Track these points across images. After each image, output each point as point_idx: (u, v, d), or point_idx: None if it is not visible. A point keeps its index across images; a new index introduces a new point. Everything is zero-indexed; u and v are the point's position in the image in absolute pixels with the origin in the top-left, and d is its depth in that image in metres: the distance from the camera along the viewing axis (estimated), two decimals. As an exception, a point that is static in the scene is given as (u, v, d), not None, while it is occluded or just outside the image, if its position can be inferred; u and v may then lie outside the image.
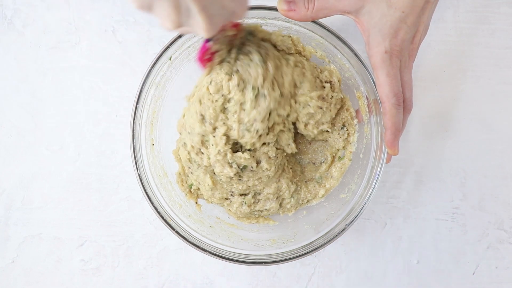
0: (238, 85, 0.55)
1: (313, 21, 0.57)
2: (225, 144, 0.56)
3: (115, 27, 0.69)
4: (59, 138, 0.69)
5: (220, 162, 0.56)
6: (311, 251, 0.57)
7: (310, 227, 0.62)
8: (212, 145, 0.56)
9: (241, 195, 0.61)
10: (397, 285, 0.67)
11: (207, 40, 0.52)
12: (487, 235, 0.67)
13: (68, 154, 0.68)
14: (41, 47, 0.69)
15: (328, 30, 0.58)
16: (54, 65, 0.69)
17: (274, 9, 0.57)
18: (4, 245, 0.67)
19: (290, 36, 0.61)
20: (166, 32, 0.68)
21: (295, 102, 0.58)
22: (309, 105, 0.58)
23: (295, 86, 0.58)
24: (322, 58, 0.62)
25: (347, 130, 0.63)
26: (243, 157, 0.56)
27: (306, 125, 0.60)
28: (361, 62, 0.58)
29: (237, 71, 0.55)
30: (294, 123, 0.60)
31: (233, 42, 0.55)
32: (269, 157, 0.58)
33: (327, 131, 0.62)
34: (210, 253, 0.57)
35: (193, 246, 0.57)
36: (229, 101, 0.56)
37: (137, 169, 0.58)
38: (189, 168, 0.61)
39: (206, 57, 0.54)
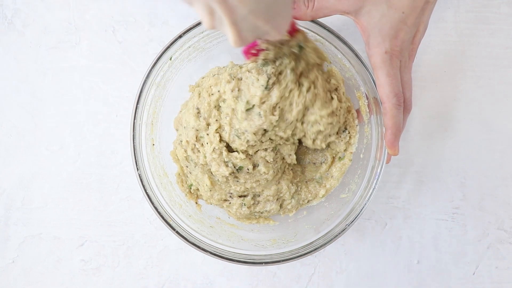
0: (232, 91, 0.55)
1: (313, 21, 0.57)
2: (220, 141, 0.56)
3: (115, 27, 0.69)
4: (59, 138, 0.69)
5: (216, 160, 0.56)
6: (312, 251, 0.57)
7: (311, 227, 0.62)
8: (207, 143, 0.56)
9: (240, 196, 0.61)
10: (397, 285, 0.67)
11: None
12: (487, 235, 0.67)
13: (68, 154, 0.68)
14: (41, 47, 0.69)
15: (328, 30, 0.58)
16: (54, 65, 0.69)
17: None
18: (4, 245, 0.67)
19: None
20: (166, 33, 0.69)
21: (302, 124, 0.57)
22: (318, 123, 0.56)
23: (306, 109, 0.56)
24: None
25: (349, 132, 0.62)
26: (238, 158, 0.56)
27: (314, 140, 0.58)
28: (361, 62, 0.58)
29: (240, 78, 0.55)
30: (299, 139, 0.59)
31: (282, 48, 0.53)
32: (267, 161, 0.58)
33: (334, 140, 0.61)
34: (210, 253, 0.57)
35: (193, 246, 0.57)
36: (223, 101, 0.56)
37: (138, 169, 0.58)
38: (187, 167, 0.61)
39: (252, 51, 0.53)
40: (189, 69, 0.63)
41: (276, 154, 0.59)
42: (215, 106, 0.57)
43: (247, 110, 0.54)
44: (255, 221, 0.64)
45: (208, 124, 0.57)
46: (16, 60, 0.69)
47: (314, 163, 0.65)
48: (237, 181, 0.59)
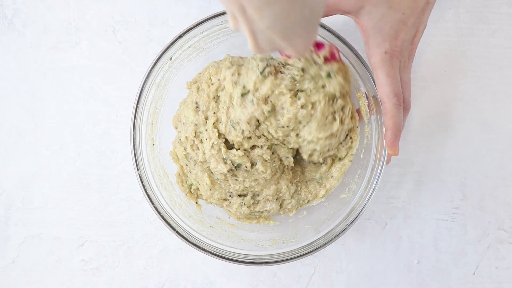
0: (233, 75, 0.56)
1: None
2: (218, 137, 0.56)
3: (115, 27, 0.69)
4: (59, 138, 0.69)
5: (215, 157, 0.57)
6: (312, 251, 0.57)
7: (311, 227, 0.62)
8: (206, 139, 0.57)
9: (239, 196, 0.61)
10: (397, 285, 0.67)
11: None
12: (487, 235, 0.67)
13: (68, 154, 0.68)
14: (41, 47, 0.69)
15: (328, 30, 0.58)
16: (54, 65, 0.69)
17: None
18: (4, 245, 0.67)
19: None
20: (166, 33, 0.69)
21: (298, 136, 0.56)
22: (314, 143, 0.56)
23: (299, 122, 0.55)
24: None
25: (351, 138, 0.61)
26: (237, 155, 0.56)
27: (310, 155, 0.58)
28: (361, 62, 0.58)
29: (241, 64, 0.56)
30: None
31: (313, 66, 0.54)
32: (265, 160, 0.58)
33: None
34: (211, 253, 0.57)
35: (194, 246, 0.57)
36: (222, 89, 0.57)
37: (138, 169, 0.58)
38: (187, 166, 0.61)
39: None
40: (189, 69, 0.63)
41: (273, 154, 0.59)
42: (214, 98, 0.58)
43: (243, 95, 0.54)
44: (255, 221, 0.64)
45: (206, 118, 0.58)
46: (16, 60, 0.69)
47: (314, 163, 0.65)
48: (236, 179, 0.59)
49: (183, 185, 0.63)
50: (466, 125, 0.68)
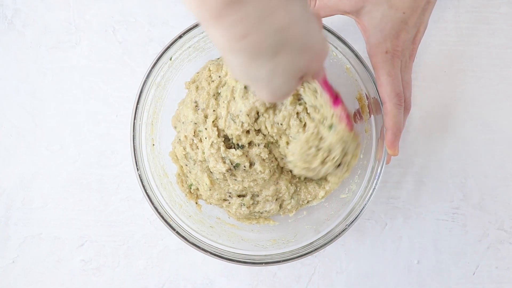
0: None
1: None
2: (218, 136, 0.57)
3: (115, 27, 0.69)
4: (59, 138, 0.69)
5: (214, 156, 0.57)
6: (312, 251, 0.57)
7: (311, 227, 0.62)
8: (205, 137, 0.57)
9: (239, 196, 0.61)
10: (397, 285, 0.67)
11: None
12: (488, 235, 0.67)
13: (68, 154, 0.68)
14: (41, 47, 0.69)
15: (328, 30, 0.58)
16: (54, 65, 0.69)
17: None
18: (4, 245, 0.67)
19: None
20: (166, 33, 0.69)
21: (287, 144, 0.58)
22: (292, 163, 0.57)
23: (289, 128, 0.57)
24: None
25: (326, 180, 0.63)
26: (235, 154, 0.57)
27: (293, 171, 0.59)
28: (361, 62, 0.58)
29: None
30: None
31: (319, 108, 0.55)
32: (263, 159, 0.58)
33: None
34: (211, 253, 0.57)
35: (194, 247, 0.57)
36: (223, 85, 0.58)
37: (138, 169, 0.58)
38: (187, 165, 0.61)
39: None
40: (189, 69, 0.63)
41: (270, 153, 0.59)
42: (214, 95, 0.58)
43: (245, 87, 0.56)
44: (255, 221, 0.64)
45: (206, 116, 0.58)
46: (16, 60, 0.69)
47: None
48: (235, 179, 0.59)
49: (183, 185, 0.63)
50: (466, 125, 0.68)
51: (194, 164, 0.60)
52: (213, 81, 0.59)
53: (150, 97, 0.60)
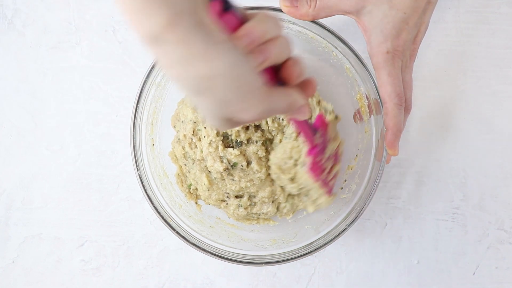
0: None
1: (313, 22, 0.57)
2: (217, 135, 0.57)
3: (115, 27, 0.69)
4: (59, 138, 0.69)
5: (212, 155, 0.57)
6: (312, 251, 0.57)
7: (311, 227, 0.62)
8: (204, 136, 0.58)
9: (236, 197, 0.61)
10: (397, 285, 0.67)
11: None
12: (488, 235, 0.67)
13: (68, 154, 0.68)
14: (41, 47, 0.69)
15: (328, 30, 0.58)
16: (54, 65, 0.69)
17: (276, 9, 0.57)
18: (4, 245, 0.67)
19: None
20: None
21: (280, 142, 0.60)
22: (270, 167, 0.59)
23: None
24: None
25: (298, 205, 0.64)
26: (233, 153, 0.57)
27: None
28: (361, 62, 0.58)
29: None
30: None
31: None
32: (260, 158, 0.59)
33: None
34: (211, 253, 0.57)
35: (194, 247, 0.57)
36: None
37: (138, 170, 0.58)
38: (185, 165, 0.62)
39: None
40: (189, 69, 0.63)
41: (267, 151, 0.60)
42: None
43: None
44: (255, 221, 0.64)
45: None
46: (16, 60, 0.69)
47: None
48: (232, 179, 0.59)
49: (182, 185, 0.63)
50: (466, 125, 0.68)
51: (193, 163, 0.60)
52: None
53: (150, 97, 0.60)
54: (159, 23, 0.29)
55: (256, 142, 0.59)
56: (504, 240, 0.68)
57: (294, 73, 0.38)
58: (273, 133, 0.59)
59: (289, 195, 0.63)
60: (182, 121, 0.60)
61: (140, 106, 0.59)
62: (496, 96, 0.69)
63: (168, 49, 0.31)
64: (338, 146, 0.59)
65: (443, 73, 0.69)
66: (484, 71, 0.69)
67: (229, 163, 0.58)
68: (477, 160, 0.68)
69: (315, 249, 0.57)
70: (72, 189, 0.68)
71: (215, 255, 0.57)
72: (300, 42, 0.63)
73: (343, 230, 0.57)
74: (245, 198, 0.61)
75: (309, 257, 0.60)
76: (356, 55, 0.58)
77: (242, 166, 0.58)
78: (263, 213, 0.62)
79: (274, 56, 0.35)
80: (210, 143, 0.57)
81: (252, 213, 0.62)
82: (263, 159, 0.59)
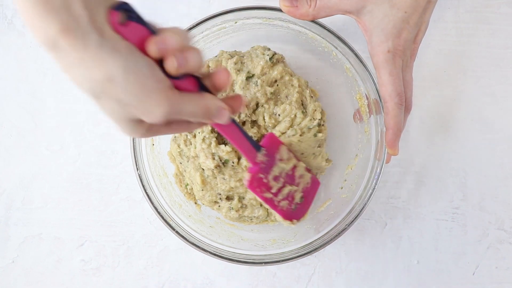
0: (236, 63, 0.58)
1: (313, 21, 0.57)
2: (211, 131, 0.58)
3: (115, 27, 0.69)
4: (59, 138, 0.69)
5: (204, 151, 0.58)
6: (311, 251, 0.57)
7: (310, 227, 0.62)
8: (199, 133, 0.58)
9: (227, 199, 0.61)
10: (397, 285, 0.67)
11: None
12: (487, 235, 0.67)
13: (68, 154, 0.68)
14: (41, 47, 0.69)
15: (328, 30, 0.58)
16: (54, 65, 0.69)
17: (276, 9, 0.57)
18: (4, 245, 0.67)
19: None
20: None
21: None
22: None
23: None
24: None
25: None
26: (225, 150, 0.57)
27: None
28: (361, 62, 0.58)
29: (242, 56, 0.60)
30: None
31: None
32: None
33: None
34: (210, 253, 0.57)
35: (193, 246, 0.58)
36: None
37: (137, 169, 0.58)
38: (181, 164, 0.62)
39: None
40: (189, 69, 0.63)
41: None
42: None
43: (247, 78, 0.58)
44: (247, 223, 0.64)
45: None
46: (16, 60, 0.69)
47: None
48: (223, 178, 0.59)
49: (181, 185, 0.63)
50: (466, 125, 0.68)
51: (188, 161, 0.60)
52: None
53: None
54: (54, 28, 0.31)
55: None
56: (504, 240, 0.67)
57: (217, 81, 0.40)
58: (269, 129, 0.59)
59: None
60: None
61: (140, 106, 0.59)
62: (496, 96, 0.69)
63: (64, 54, 0.32)
64: (294, 168, 0.58)
65: (443, 73, 0.69)
66: (484, 71, 0.69)
67: (220, 160, 0.58)
68: (477, 160, 0.68)
69: (315, 249, 0.57)
70: (72, 189, 0.68)
71: (215, 255, 0.57)
72: (300, 42, 0.63)
73: (343, 230, 0.57)
74: (235, 200, 0.61)
75: (309, 257, 0.60)
76: (356, 55, 0.58)
77: (233, 163, 0.58)
78: (254, 216, 0.62)
79: (190, 63, 0.36)
80: (203, 139, 0.57)
81: (244, 216, 0.62)
82: None
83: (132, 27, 0.34)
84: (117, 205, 0.68)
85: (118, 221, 0.68)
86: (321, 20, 0.57)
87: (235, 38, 0.64)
